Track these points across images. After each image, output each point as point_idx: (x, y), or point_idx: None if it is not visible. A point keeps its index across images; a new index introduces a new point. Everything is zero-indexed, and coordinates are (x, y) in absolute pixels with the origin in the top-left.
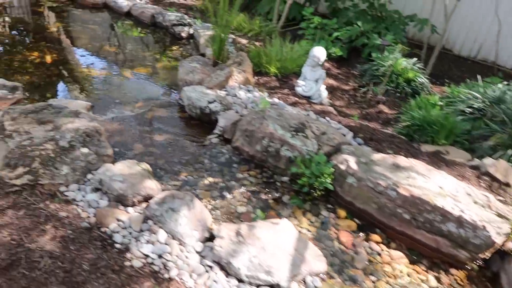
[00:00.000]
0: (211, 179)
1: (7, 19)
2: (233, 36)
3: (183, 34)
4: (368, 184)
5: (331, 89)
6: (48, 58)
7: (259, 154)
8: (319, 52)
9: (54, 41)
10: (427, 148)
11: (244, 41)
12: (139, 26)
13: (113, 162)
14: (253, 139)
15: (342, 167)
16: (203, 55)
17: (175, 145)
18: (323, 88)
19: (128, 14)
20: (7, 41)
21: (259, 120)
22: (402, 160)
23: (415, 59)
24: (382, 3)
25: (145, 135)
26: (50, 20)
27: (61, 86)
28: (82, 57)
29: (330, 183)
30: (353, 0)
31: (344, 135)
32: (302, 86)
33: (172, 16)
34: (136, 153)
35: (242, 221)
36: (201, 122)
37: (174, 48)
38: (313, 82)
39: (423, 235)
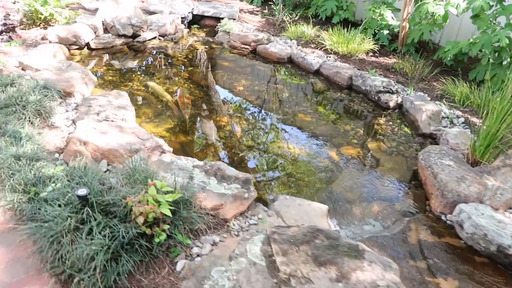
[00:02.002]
0: None
1: (190, 74)
2: (447, 109)
3: (391, 104)
4: None
5: None
6: (238, 131)
7: None
8: None
9: (241, 103)
10: None
11: (465, 115)
12: (330, 87)
13: None
14: None
15: None
16: (424, 135)
17: None
18: None
19: (317, 73)
20: (196, 102)
21: None
22: None
23: None
24: None
25: (427, 280)
26: (234, 77)
27: (265, 168)
28: (274, 127)
29: None
30: None
31: None
32: None
33: (377, 81)
34: None
35: None
36: (490, 259)
37: (380, 121)
38: None
39: None
